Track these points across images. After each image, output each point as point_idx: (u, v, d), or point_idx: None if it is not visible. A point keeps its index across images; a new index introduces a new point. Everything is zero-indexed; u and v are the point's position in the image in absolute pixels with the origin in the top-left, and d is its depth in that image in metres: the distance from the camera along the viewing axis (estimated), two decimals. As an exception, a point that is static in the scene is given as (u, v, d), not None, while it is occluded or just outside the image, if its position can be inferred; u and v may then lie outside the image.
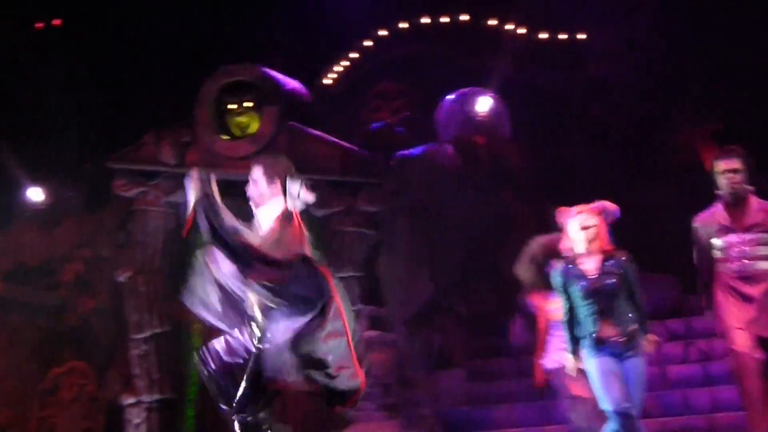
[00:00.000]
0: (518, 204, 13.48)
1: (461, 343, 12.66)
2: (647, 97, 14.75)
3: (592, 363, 7.81)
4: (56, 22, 16.04)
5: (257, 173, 7.38)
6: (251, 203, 7.36)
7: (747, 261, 8.16)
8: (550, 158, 14.43)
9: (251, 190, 7.38)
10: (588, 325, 7.86)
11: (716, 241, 8.31)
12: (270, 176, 7.33)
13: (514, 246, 9.32)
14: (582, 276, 7.94)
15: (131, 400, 12.99)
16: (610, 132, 14.81)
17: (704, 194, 8.63)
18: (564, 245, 8.13)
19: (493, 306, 12.83)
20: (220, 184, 12.99)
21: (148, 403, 12.98)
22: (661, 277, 12.66)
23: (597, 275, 7.91)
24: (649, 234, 12.90)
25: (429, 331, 12.39)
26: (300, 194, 7.31)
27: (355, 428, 11.39)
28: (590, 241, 7.96)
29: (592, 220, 8.00)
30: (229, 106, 13.52)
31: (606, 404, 7.65)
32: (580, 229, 7.97)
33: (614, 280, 7.86)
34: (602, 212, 8.06)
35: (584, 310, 7.89)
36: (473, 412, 11.91)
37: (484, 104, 14.09)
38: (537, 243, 8.89)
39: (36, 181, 14.12)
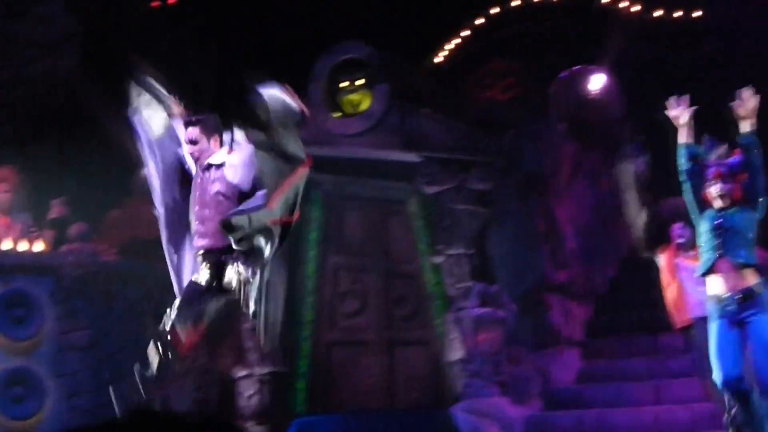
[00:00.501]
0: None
1: (572, 321, 12.62)
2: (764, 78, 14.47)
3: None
4: (171, 0, 16.26)
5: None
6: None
7: None
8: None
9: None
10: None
11: None
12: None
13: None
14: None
15: (243, 372, 13.18)
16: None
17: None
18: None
19: (605, 284, 12.76)
20: (332, 161, 13.21)
21: (260, 376, 13.15)
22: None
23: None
24: None
25: (540, 308, 12.36)
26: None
27: (465, 403, 11.40)
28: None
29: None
30: (342, 84, 13.62)
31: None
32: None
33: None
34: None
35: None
36: (584, 389, 11.87)
37: (596, 82, 13.97)
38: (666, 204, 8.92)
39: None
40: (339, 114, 13.56)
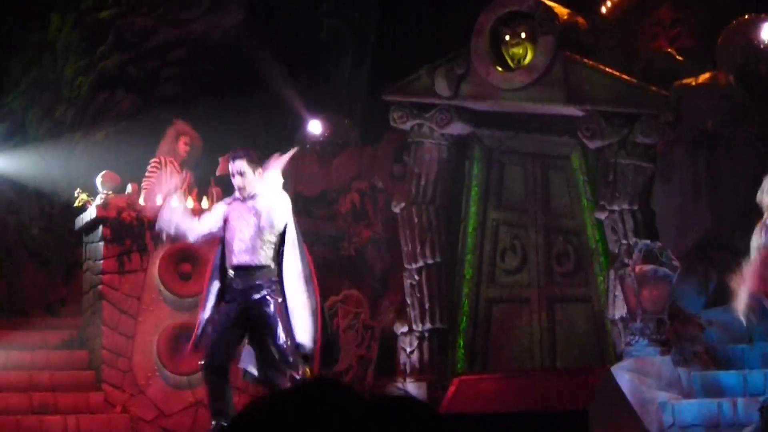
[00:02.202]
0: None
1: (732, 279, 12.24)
2: None
3: None
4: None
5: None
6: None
7: None
8: None
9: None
10: None
11: None
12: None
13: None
14: None
15: (404, 328, 13.26)
16: None
17: None
18: None
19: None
20: (493, 115, 13.11)
21: (420, 332, 13.21)
22: None
23: None
24: None
25: (706, 266, 12.05)
26: None
27: (627, 362, 11.21)
28: None
29: None
30: (505, 37, 13.44)
31: None
32: None
33: None
34: None
35: None
36: (749, 349, 11.54)
37: (768, 32, 13.47)
38: None
39: (315, 113, 14.46)
40: (501, 68, 13.38)
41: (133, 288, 12.81)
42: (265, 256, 8.69)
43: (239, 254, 8.67)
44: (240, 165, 8.68)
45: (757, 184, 9.33)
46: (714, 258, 12.07)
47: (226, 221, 8.76)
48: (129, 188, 13.26)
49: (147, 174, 13.38)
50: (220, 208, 8.96)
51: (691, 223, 12.21)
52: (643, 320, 11.32)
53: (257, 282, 8.66)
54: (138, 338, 12.74)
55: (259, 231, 8.57)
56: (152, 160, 13.47)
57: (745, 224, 12.25)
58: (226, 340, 8.73)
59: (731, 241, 11.77)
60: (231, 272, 8.73)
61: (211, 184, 13.78)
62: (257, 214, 8.56)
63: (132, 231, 12.83)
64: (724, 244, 12.00)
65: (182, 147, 13.64)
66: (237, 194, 8.80)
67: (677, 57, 14.22)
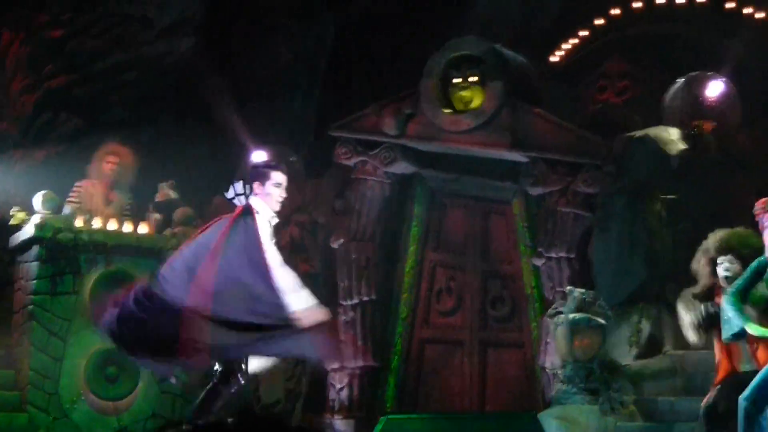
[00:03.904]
0: (747, 193, 12.92)
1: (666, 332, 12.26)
2: None
3: None
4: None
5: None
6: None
7: None
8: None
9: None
10: None
11: None
12: None
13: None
14: None
15: (335, 365, 13.16)
16: None
17: None
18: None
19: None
20: (438, 156, 13.11)
21: (352, 369, 13.14)
22: None
23: None
24: None
25: (638, 317, 12.06)
26: None
27: (556, 409, 11.18)
28: None
29: None
30: (454, 80, 13.51)
31: None
32: None
33: None
34: None
35: None
36: (679, 402, 11.52)
37: (715, 89, 13.57)
38: (714, 237, 8.54)
39: (261, 144, 14.40)
40: (449, 110, 13.41)
41: (64, 310, 12.66)
42: None
43: None
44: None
45: (695, 237, 9.33)
46: (646, 309, 12.09)
47: None
48: (66, 209, 13.17)
49: (68, 199, 13.34)
50: None
51: (627, 274, 12.23)
52: (573, 368, 11.31)
53: None
54: (66, 361, 12.59)
55: None
56: (77, 183, 13.44)
57: (679, 277, 12.31)
58: None
59: (663, 293, 11.81)
60: None
61: (149, 209, 13.71)
62: None
63: (67, 252, 12.71)
64: (657, 296, 12.03)
65: (106, 167, 13.58)
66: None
67: (623, 109, 14.31)
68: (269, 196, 7.90)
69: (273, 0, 16.16)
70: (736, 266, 8.22)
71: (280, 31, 16.19)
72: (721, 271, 8.36)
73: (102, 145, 13.77)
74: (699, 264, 8.73)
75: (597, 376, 11.24)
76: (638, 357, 11.94)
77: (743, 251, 8.23)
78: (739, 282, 7.79)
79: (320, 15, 16.35)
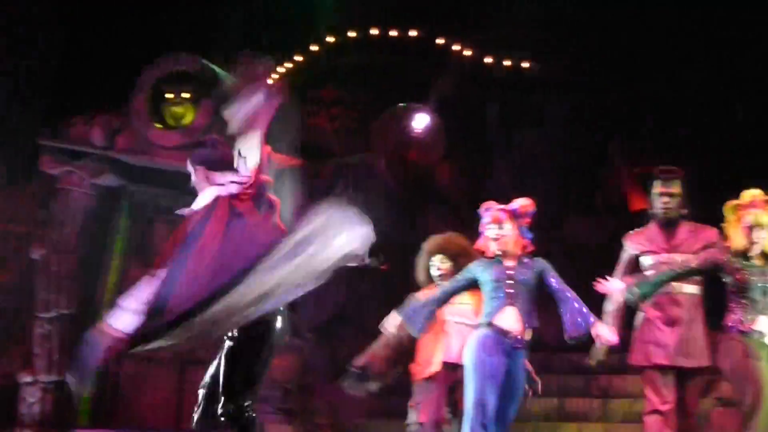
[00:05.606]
0: (442, 224, 13.37)
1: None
2: (584, 130, 14.76)
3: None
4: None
5: None
6: None
7: (674, 283, 7.94)
8: (479, 182, 14.35)
9: None
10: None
11: (645, 259, 8.11)
12: None
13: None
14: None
15: (28, 378, 12.84)
16: (543, 162, 14.80)
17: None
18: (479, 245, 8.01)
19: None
20: (147, 171, 12.99)
21: (45, 384, 12.83)
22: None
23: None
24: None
25: (334, 340, 12.31)
26: None
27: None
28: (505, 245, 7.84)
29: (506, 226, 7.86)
30: (167, 95, 13.45)
31: None
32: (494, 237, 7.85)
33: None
34: (515, 215, 7.91)
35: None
36: (371, 425, 11.82)
37: (420, 121, 14.02)
38: (431, 241, 8.93)
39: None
40: (160, 125, 13.35)
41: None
42: None
43: None
44: None
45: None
46: (341, 333, 12.35)
47: None
48: None
49: None
50: None
51: (328, 299, 12.45)
52: (269, 388, 11.43)
53: None
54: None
55: None
56: None
57: (376, 302, 12.67)
58: None
59: (360, 317, 12.10)
60: None
61: None
62: None
63: None
64: (352, 320, 12.31)
65: None
66: None
67: (334, 135, 14.57)
68: None
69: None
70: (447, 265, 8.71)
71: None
72: (434, 271, 8.76)
73: None
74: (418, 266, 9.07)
75: (294, 397, 11.42)
76: (333, 379, 12.15)
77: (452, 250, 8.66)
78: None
79: (47, 23, 15.92)
